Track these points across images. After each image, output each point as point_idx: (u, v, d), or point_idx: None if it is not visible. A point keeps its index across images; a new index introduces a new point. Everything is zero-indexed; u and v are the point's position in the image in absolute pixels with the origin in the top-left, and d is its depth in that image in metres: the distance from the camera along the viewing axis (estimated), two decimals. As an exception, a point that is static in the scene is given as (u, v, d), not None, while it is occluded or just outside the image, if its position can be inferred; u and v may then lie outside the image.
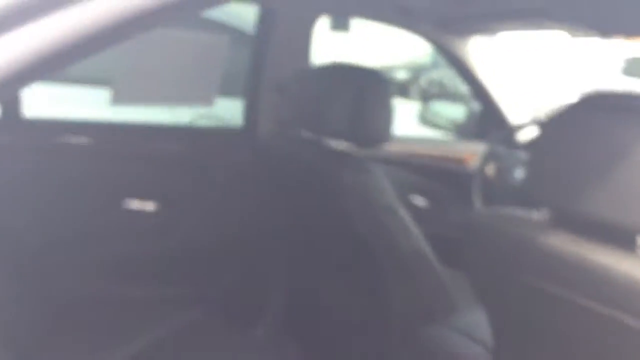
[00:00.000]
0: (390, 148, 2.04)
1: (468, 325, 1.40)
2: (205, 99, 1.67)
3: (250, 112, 1.74)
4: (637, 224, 0.82)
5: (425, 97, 10.43)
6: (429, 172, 2.04)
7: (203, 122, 1.90)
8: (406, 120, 2.39)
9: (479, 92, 2.04)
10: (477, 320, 1.34)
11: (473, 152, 1.97)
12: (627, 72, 1.43)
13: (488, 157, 1.86)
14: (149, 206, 1.62)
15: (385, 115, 1.35)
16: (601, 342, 0.89)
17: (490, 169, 1.87)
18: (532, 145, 1.26)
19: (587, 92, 0.95)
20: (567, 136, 0.91)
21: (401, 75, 11.58)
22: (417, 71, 11.59)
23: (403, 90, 11.04)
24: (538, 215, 0.98)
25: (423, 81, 11.18)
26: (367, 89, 1.35)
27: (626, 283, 0.81)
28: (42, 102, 1.58)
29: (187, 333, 1.57)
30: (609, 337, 0.87)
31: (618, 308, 0.83)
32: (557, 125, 0.95)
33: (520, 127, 1.85)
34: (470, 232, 1.08)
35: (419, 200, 1.99)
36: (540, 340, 1.06)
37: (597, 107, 0.90)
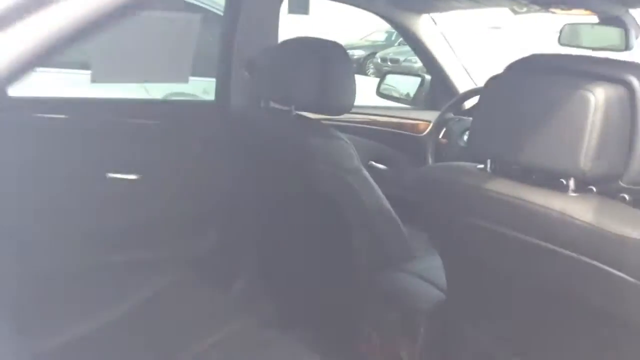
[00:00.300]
0: (353, 117, 2.20)
1: (425, 270, 1.57)
2: (180, 76, 1.79)
3: (222, 87, 1.87)
4: (566, 169, 0.94)
5: (381, 72, 10.64)
6: (387, 139, 2.22)
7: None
8: (365, 95, 2.55)
9: (431, 65, 2.21)
10: (433, 265, 1.52)
11: (426, 119, 2.15)
12: (562, 41, 1.54)
13: (439, 124, 2.04)
14: (129, 177, 1.73)
15: (348, 86, 1.49)
16: (537, 270, 1.06)
17: (442, 134, 2.05)
18: (475, 108, 1.42)
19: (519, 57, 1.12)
20: (502, 96, 1.07)
21: (358, 53, 11.74)
22: (373, 49, 11.75)
23: (361, 67, 11.21)
24: (481, 166, 1.14)
25: (379, 58, 11.38)
26: (330, 62, 1.49)
27: (558, 218, 0.95)
28: (25, 84, 1.67)
29: (170, 293, 1.70)
30: (544, 265, 1.03)
31: (551, 240, 0.97)
32: (494, 87, 1.12)
33: (467, 96, 2.04)
34: (422, 184, 1.24)
35: (380, 164, 2.17)
36: (486, 274, 1.24)
37: (527, 69, 1.06)
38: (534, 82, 1.01)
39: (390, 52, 10.97)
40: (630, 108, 0.91)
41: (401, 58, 10.27)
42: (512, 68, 1.07)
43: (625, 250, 0.88)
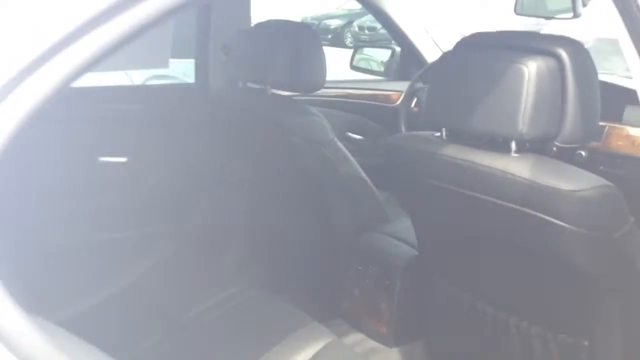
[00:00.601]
0: (329, 92, 2.31)
1: (398, 231, 1.71)
2: (161, 61, 1.88)
3: (201, 70, 1.97)
4: (507, 133, 1.07)
5: (359, 40, 10.68)
6: (362, 110, 2.34)
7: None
8: (340, 66, 2.65)
9: (398, 37, 2.32)
10: (405, 226, 1.66)
11: (398, 90, 2.27)
12: (518, 10, 1.60)
13: (410, 94, 2.16)
14: (120, 160, 1.84)
15: (318, 65, 1.60)
16: (487, 222, 1.20)
17: (413, 103, 2.17)
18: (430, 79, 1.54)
19: (466, 35, 1.24)
20: (452, 71, 1.20)
21: (335, 23, 11.73)
22: (350, 17, 11.73)
23: (339, 37, 11.22)
24: (437, 134, 1.27)
25: (356, 27, 11.38)
26: (301, 43, 1.60)
27: (502, 176, 1.08)
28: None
29: (169, 264, 1.82)
30: (493, 217, 1.16)
31: (497, 195, 1.11)
32: (444, 63, 1.24)
33: (433, 66, 2.16)
34: (388, 152, 1.37)
35: (356, 135, 2.29)
36: (447, 230, 1.38)
37: (471, 45, 1.19)
38: (477, 58, 1.13)
39: (366, 20, 10.97)
40: (560, 78, 1.04)
41: (378, 26, 10.29)
42: (459, 45, 1.19)
43: (558, 200, 1.02)
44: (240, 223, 1.98)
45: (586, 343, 1.19)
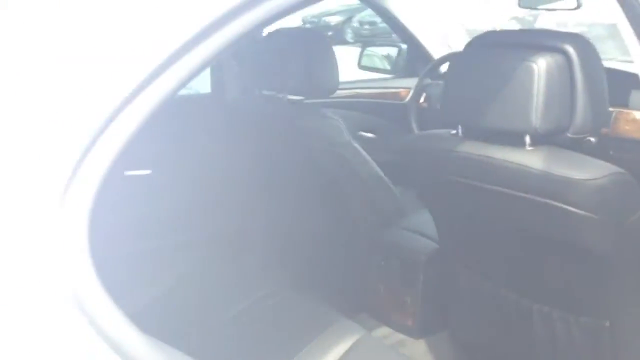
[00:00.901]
0: (339, 93, 2.36)
1: (417, 225, 1.77)
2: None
3: (217, 80, 2.03)
4: (521, 127, 1.12)
5: (359, 36, 10.71)
6: (373, 109, 2.38)
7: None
8: (345, 64, 2.69)
9: (403, 33, 2.36)
10: (423, 220, 1.72)
11: (407, 87, 2.31)
12: (521, 4, 1.63)
13: (419, 90, 2.21)
14: (144, 172, 1.90)
15: (331, 69, 1.66)
16: (505, 213, 1.25)
17: (422, 99, 2.22)
18: (444, 76, 1.59)
19: (480, 33, 1.28)
20: (465, 70, 1.24)
21: (336, 19, 11.76)
22: (349, 13, 11.75)
23: (339, 33, 11.26)
24: (453, 132, 1.31)
25: (356, 22, 11.41)
26: (314, 49, 1.65)
27: (517, 169, 1.14)
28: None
29: (200, 267, 1.88)
30: (510, 208, 1.21)
31: (513, 187, 1.16)
32: (458, 62, 1.29)
33: (441, 61, 2.20)
34: (406, 152, 1.42)
35: (368, 133, 2.34)
36: (467, 222, 1.43)
37: (483, 44, 1.23)
38: (489, 57, 1.18)
39: (366, 14, 11.00)
40: (568, 73, 1.09)
41: (378, 20, 10.31)
42: (471, 44, 1.24)
43: (573, 189, 1.07)
44: (263, 226, 2.04)
45: (607, 324, 1.24)
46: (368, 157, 1.75)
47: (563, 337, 1.31)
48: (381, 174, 1.78)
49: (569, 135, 1.12)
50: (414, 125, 2.17)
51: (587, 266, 1.19)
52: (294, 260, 1.97)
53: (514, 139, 1.16)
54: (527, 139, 1.13)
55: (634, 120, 1.61)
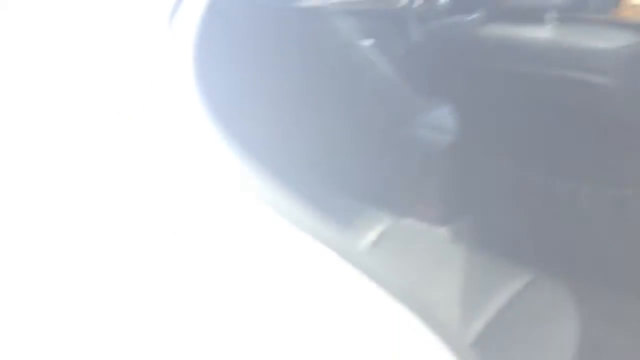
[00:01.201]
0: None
1: (434, 119, 1.80)
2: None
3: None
4: (543, 4, 1.17)
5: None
6: (369, 14, 2.34)
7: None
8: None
9: None
10: (441, 114, 1.74)
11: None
12: None
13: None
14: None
15: None
16: (533, 92, 1.29)
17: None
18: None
19: None
20: None
21: None
22: None
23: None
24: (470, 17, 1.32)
25: None
26: None
27: (545, 45, 1.18)
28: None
29: None
30: (537, 86, 1.26)
31: (541, 64, 1.20)
32: None
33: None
34: (425, 45, 1.42)
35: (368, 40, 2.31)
36: (492, 104, 1.43)
37: None
38: None
39: None
40: None
41: None
42: None
43: (599, 59, 1.12)
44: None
45: (630, 192, 1.31)
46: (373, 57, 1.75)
47: (589, 213, 1.36)
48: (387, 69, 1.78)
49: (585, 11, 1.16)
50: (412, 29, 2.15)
51: (613, 136, 1.25)
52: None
53: (535, 17, 1.19)
54: (549, 16, 1.17)
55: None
